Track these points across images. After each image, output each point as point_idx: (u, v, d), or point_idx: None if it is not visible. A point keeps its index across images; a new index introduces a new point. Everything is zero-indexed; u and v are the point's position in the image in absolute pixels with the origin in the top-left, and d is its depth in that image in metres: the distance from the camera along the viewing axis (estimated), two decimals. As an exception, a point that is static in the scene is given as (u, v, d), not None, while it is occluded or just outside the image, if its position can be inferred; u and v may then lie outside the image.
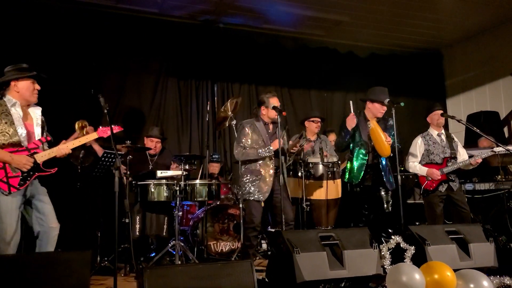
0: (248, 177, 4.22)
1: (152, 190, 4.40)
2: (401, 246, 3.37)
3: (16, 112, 3.28)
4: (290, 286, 2.93)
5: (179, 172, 4.43)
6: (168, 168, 5.05)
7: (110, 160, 4.54)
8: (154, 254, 4.75)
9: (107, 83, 6.06)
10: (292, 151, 4.28)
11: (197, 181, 4.69)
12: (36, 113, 3.42)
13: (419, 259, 3.26)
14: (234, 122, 4.48)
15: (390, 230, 4.15)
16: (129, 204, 4.02)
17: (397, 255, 3.34)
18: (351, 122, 4.30)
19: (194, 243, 5.10)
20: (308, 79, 7.51)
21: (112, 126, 3.33)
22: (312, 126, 5.40)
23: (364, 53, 7.86)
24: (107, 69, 6.20)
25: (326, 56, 7.62)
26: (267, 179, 4.14)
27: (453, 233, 3.60)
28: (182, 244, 4.45)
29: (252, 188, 4.16)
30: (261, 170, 4.18)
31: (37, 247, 3.25)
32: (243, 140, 4.23)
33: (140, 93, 6.41)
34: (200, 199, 4.68)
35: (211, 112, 6.50)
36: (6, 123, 3.19)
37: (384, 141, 4.18)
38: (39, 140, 3.35)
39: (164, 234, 4.73)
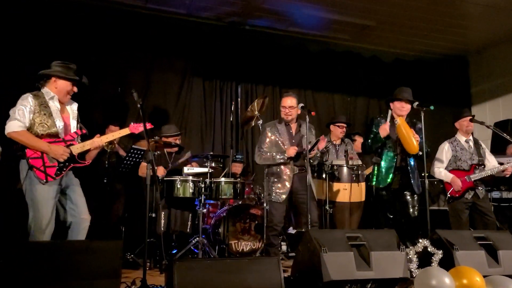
0: (269, 179, 4.28)
1: (178, 186, 4.43)
2: (429, 250, 3.33)
3: (54, 105, 3.36)
4: (316, 285, 2.92)
5: (206, 169, 4.47)
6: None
7: (137, 156, 4.60)
8: (176, 251, 4.79)
9: (133, 81, 6.14)
10: (310, 156, 4.25)
11: (222, 179, 4.72)
12: (72, 107, 3.53)
13: (447, 264, 3.21)
14: (260, 121, 4.49)
15: (419, 233, 4.08)
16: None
17: (424, 259, 3.30)
18: (383, 131, 4.28)
19: (216, 241, 5.13)
20: (332, 82, 7.50)
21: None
22: (337, 131, 5.40)
23: (389, 58, 7.83)
24: (133, 67, 6.29)
25: (350, 60, 7.61)
26: (286, 181, 4.14)
27: (482, 239, 3.54)
28: (205, 241, 4.47)
29: (272, 189, 4.21)
30: (280, 172, 4.20)
31: (68, 237, 3.32)
32: (263, 144, 4.30)
33: (165, 92, 6.48)
34: (224, 197, 4.71)
35: (234, 112, 6.54)
36: (45, 114, 3.27)
37: (411, 137, 4.14)
38: (75, 132, 3.44)
39: (188, 230, 4.76)
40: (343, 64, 7.55)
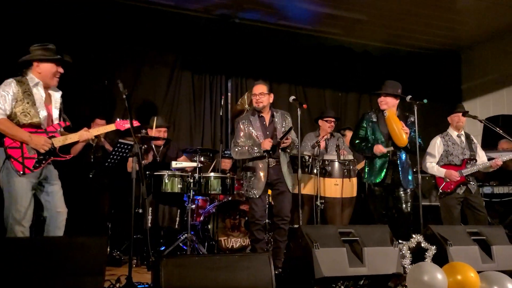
0: (245, 174, 4.13)
1: (166, 181, 4.33)
2: (422, 245, 3.28)
3: (38, 92, 3.21)
4: (308, 282, 2.84)
5: (194, 164, 4.36)
6: (175, 160, 4.97)
7: (123, 151, 4.48)
8: (164, 247, 4.69)
9: (121, 74, 5.99)
10: (283, 145, 4.06)
11: (212, 174, 4.62)
12: (55, 95, 3.35)
13: (441, 260, 3.16)
14: (250, 115, 4.39)
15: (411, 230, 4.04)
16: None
17: (418, 255, 3.25)
18: (378, 151, 4.25)
19: (205, 238, 5.03)
20: (323, 77, 7.42)
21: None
22: (326, 126, 5.34)
23: (380, 53, 7.78)
24: (121, 60, 6.17)
25: (341, 55, 7.55)
26: (262, 175, 4.01)
27: (475, 234, 3.51)
28: (194, 238, 4.38)
29: (249, 185, 4.07)
30: (255, 166, 4.07)
31: (45, 233, 3.20)
32: (237, 138, 4.14)
33: (154, 85, 6.37)
34: (213, 192, 4.61)
35: (224, 107, 6.45)
36: (28, 103, 3.12)
37: (400, 130, 4.09)
38: (58, 124, 3.29)
39: (176, 226, 4.66)
40: (334, 59, 7.48)
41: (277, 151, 4.02)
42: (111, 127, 3.47)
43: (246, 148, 4.07)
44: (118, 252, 4.40)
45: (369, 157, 4.37)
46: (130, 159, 4.58)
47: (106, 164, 4.54)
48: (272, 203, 4.35)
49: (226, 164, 5.95)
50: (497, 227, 3.70)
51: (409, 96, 4.19)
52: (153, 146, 5.03)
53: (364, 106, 7.55)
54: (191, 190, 4.43)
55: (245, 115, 4.33)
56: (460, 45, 7.99)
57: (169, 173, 4.39)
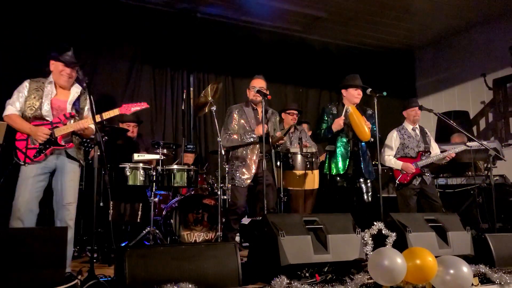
0: (233, 163, 4.20)
1: (128, 174, 4.22)
2: (383, 232, 3.38)
3: (49, 89, 3.32)
4: (274, 269, 2.85)
5: (157, 156, 4.28)
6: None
7: (91, 144, 4.34)
8: (126, 242, 4.58)
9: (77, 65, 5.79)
10: (277, 143, 4.24)
11: (175, 166, 4.56)
12: (74, 91, 3.42)
13: (400, 246, 3.26)
14: (214, 108, 4.37)
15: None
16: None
17: (379, 241, 3.34)
18: (337, 125, 4.27)
19: (167, 233, 4.95)
20: (284, 73, 7.51)
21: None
22: (288, 118, 5.42)
23: (339, 51, 7.96)
24: (77, 52, 5.88)
25: (302, 51, 7.66)
26: (251, 165, 4.09)
27: (432, 221, 3.64)
28: (157, 231, 4.30)
29: (236, 174, 4.14)
30: (246, 156, 4.15)
31: (56, 225, 3.20)
32: (229, 125, 4.21)
33: (112, 78, 6.22)
34: (177, 185, 4.54)
35: (186, 101, 6.39)
36: (35, 97, 3.27)
37: (363, 124, 4.19)
38: (63, 114, 3.30)
39: (138, 221, 4.55)
40: (295, 55, 7.58)
41: (266, 145, 4.06)
42: (115, 112, 3.38)
43: (237, 135, 4.13)
44: (78, 247, 4.24)
45: (331, 151, 4.44)
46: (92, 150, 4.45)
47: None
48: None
49: (189, 158, 5.89)
50: (452, 214, 3.84)
51: (370, 89, 4.30)
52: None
53: (324, 102, 7.70)
54: (154, 184, 4.34)
55: (239, 105, 4.38)
56: (415, 44, 8.31)
57: (131, 165, 4.29)
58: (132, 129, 5.03)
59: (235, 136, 4.14)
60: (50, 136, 3.18)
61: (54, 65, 3.33)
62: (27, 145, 3.19)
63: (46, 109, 3.27)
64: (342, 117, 4.27)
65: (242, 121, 4.20)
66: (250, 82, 7.11)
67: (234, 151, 4.23)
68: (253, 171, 4.08)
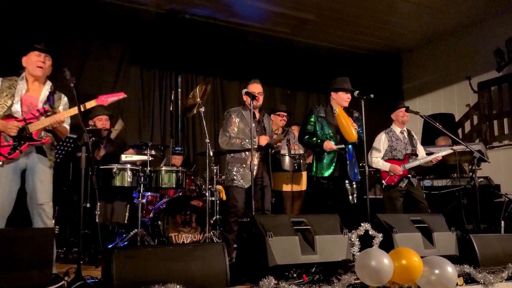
0: (233, 165, 4.18)
1: (115, 174, 4.19)
2: (370, 233, 3.41)
3: (21, 85, 3.25)
4: (262, 270, 2.87)
5: (145, 157, 4.26)
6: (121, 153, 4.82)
7: (69, 145, 4.30)
8: (113, 244, 4.54)
9: (64, 66, 5.74)
10: (275, 145, 4.31)
11: (163, 168, 4.54)
12: (46, 88, 3.35)
13: (387, 246, 3.30)
14: (202, 109, 4.37)
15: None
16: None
17: (366, 242, 3.38)
18: (328, 148, 4.31)
19: (155, 234, 4.93)
20: (273, 76, 7.50)
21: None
22: (278, 120, 5.42)
23: (327, 53, 8.00)
24: (64, 52, 5.89)
25: (290, 54, 7.68)
26: (252, 168, 4.07)
27: (418, 222, 3.69)
28: (145, 233, 4.28)
29: (237, 175, 4.13)
30: (247, 158, 4.14)
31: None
32: (229, 129, 4.20)
33: (100, 78, 6.18)
34: (165, 186, 4.53)
35: (174, 102, 6.37)
36: (6, 95, 3.21)
37: (350, 127, 4.22)
38: (37, 110, 3.23)
39: (126, 222, 4.52)
40: (283, 57, 7.60)
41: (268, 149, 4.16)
42: (92, 103, 3.31)
43: (238, 140, 4.13)
44: (64, 249, 4.20)
45: (318, 151, 4.46)
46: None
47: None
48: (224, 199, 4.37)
49: (177, 160, 5.87)
50: (437, 215, 3.90)
51: (357, 91, 4.33)
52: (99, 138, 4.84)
53: (312, 104, 7.73)
54: (141, 185, 4.32)
55: (237, 108, 4.37)
56: (402, 47, 8.41)
57: (119, 166, 4.26)
58: (104, 122, 4.93)
59: (237, 141, 4.14)
60: (24, 131, 3.12)
61: (27, 58, 3.26)
62: (0, 143, 3.10)
63: (17, 107, 3.21)
64: (334, 147, 4.29)
65: (242, 125, 4.20)
66: (238, 84, 7.21)
67: (234, 154, 4.22)
68: (254, 173, 4.07)
